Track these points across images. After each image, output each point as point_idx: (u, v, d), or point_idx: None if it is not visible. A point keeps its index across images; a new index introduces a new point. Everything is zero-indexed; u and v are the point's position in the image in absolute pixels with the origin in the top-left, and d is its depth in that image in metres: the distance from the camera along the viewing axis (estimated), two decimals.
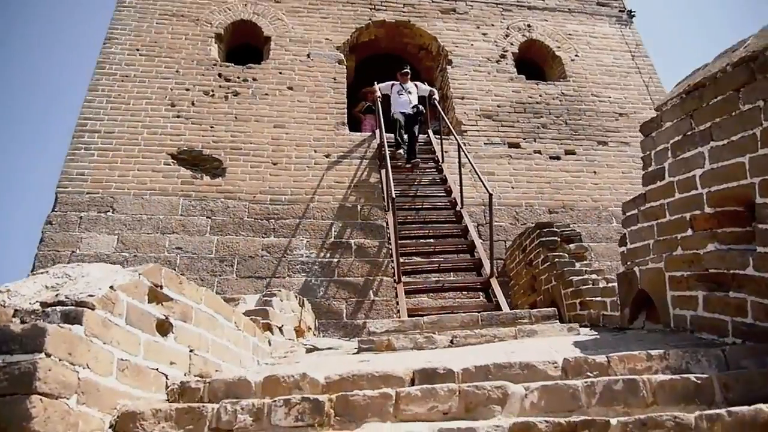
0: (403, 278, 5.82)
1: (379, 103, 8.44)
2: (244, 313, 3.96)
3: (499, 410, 2.11)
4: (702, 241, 3.08)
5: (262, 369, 3.50)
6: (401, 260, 5.65)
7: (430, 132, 9.05)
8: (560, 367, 2.39)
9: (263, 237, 7.52)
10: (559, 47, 10.35)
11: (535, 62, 10.77)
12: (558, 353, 2.91)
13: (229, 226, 7.52)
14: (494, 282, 4.93)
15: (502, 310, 4.62)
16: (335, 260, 7.48)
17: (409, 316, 4.74)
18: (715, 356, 2.34)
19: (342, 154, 8.41)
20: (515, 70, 9.92)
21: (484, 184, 4.98)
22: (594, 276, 5.17)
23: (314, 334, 6.02)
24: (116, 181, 7.62)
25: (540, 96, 9.66)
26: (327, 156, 8.34)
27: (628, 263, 3.92)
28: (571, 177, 8.80)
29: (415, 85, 8.85)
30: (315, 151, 8.35)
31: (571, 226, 6.74)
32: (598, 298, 4.60)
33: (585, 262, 5.74)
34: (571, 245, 5.92)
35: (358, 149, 8.49)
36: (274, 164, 8.13)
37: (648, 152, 3.71)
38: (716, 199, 2.98)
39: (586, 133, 9.34)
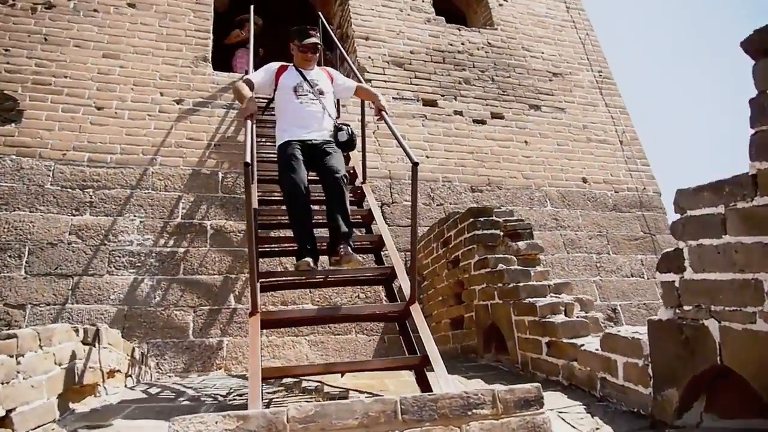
0: (264, 302, 3.74)
1: (252, 45, 5.47)
2: None
3: None
4: None
5: None
6: (262, 265, 3.59)
7: None
8: None
9: (73, 215, 5.15)
10: None
11: (455, 5, 8.86)
12: None
13: (20, 197, 5.08)
14: (417, 312, 2.99)
15: (428, 364, 2.71)
16: (181, 250, 5.27)
17: (265, 378, 2.71)
18: None
19: (201, 100, 6.10)
20: (433, 10, 7.95)
21: (405, 149, 3.02)
22: (565, 298, 3.38)
23: (130, 377, 3.86)
24: None
25: (462, 44, 7.77)
26: (178, 102, 6.00)
27: (689, 307, 2.12)
28: (498, 147, 7.03)
29: (328, 75, 4.15)
30: (161, 94, 5.98)
31: (503, 208, 4.91)
32: (596, 350, 2.80)
33: (539, 268, 3.95)
34: (519, 242, 4.11)
35: (224, 95, 6.21)
36: (99, 109, 5.70)
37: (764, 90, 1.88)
38: None
39: (516, 94, 7.58)
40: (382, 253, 3.98)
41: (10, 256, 4.82)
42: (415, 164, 2.92)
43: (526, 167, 6.99)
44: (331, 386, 3.30)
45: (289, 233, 4.93)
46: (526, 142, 7.19)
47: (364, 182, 4.47)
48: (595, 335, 3.06)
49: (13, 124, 5.38)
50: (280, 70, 4.00)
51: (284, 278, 3.57)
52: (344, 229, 3.50)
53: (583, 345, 2.89)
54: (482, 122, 7.14)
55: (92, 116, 5.63)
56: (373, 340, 5.38)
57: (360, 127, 4.64)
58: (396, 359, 3.26)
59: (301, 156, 3.64)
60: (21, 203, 5.05)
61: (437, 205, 6.28)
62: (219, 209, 5.55)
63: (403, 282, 3.26)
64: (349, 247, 3.44)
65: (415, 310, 3.01)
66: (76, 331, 3.03)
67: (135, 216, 5.29)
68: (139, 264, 5.10)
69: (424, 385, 2.82)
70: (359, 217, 4.23)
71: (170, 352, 4.85)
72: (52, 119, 5.49)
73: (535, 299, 3.44)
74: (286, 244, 3.79)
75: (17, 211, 5.00)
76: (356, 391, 3.17)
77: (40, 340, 2.60)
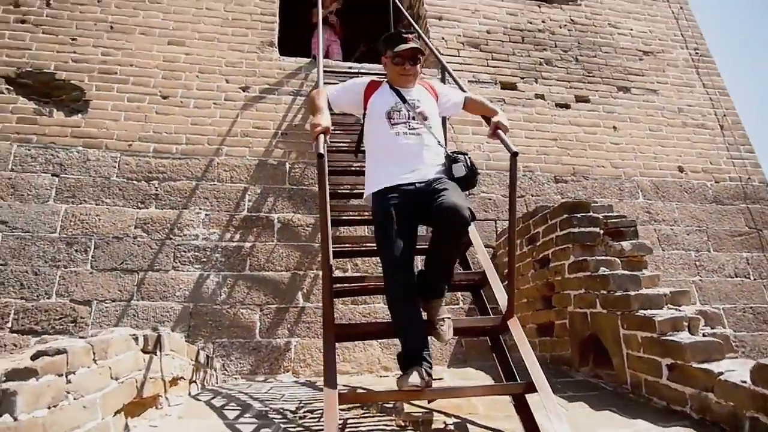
0: (341, 313, 3.40)
1: (320, 28, 4.94)
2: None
3: None
4: None
5: None
6: (336, 268, 3.24)
7: None
8: None
9: (139, 207, 4.98)
10: None
11: None
12: None
13: (87, 190, 4.95)
14: (517, 327, 2.54)
15: (533, 390, 2.28)
16: (248, 245, 5.02)
17: (341, 403, 2.35)
18: None
19: (267, 87, 5.82)
20: None
21: (505, 142, 2.57)
22: (688, 311, 2.87)
23: (194, 383, 3.62)
24: None
25: (543, 22, 7.19)
26: (244, 89, 5.75)
27: None
28: (583, 133, 6.44)
29: (432, 91, 3.15)
30: (227, 81, 5.74)
31: (602, 203, 4.36)
32: (743, 382, 2.29)
33: (647, 272, 3.43)
34: (622, 242, 3.60)
35: (291, 81, 5.91)
36: (164, 98, 5.51)
37: None
38: None
39: (602, 75, 6.95)
40: (466, 254, 3.57)
41: (76, 251, 4.69)
42: (514, 154, 2.48)
43: (615, 155, 6.38)
44: (413, 404, 2.93)
45: (361, 231, 4.60)
46: (614, 127, 6.57)
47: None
48: (730, 358, 2.55)
49: (79, 115, 5.26)
50: (370, 89, 3.00)
51: (358, 284, 3.18)
52: (443, 285, 2.74)
53: (721, 373, 2.39)
54: (566, 106, 6.56)
55: (158, 105, 5.44)
56: (450, 344, 4.98)
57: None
58: (496, 386, 2.77)
59: (401, 212, 2.65)
60: (87, 196, 4.92)
61: (518, 197, 5.79)
62: (286, 201, 5.27)
63: (498, 292, 2.84)
64: (442, 301, 2.69)
65: (514, 326, 2.59)
66: (136, 339, 2.78)
67: (200, 209, 5.07)
68: (205, 259, 4.88)
69: (525, 413, 2.40)
70: None
71: (236, 353, 4.61)
72: (117, 109, 5.34)
73: (651, 312, 2.94)
74: (359, 245, 3.43)
75: (84, 204, 4.87)
76: (441, 412, 2.79)
77: (94, 353, 2.34)
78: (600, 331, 3.37)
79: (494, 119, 2.82)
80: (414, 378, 2.30)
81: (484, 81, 6.43)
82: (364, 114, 2.99)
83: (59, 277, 4.57)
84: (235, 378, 4.53)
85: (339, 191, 3.97)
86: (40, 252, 4.63)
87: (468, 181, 2.78)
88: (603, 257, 3.52)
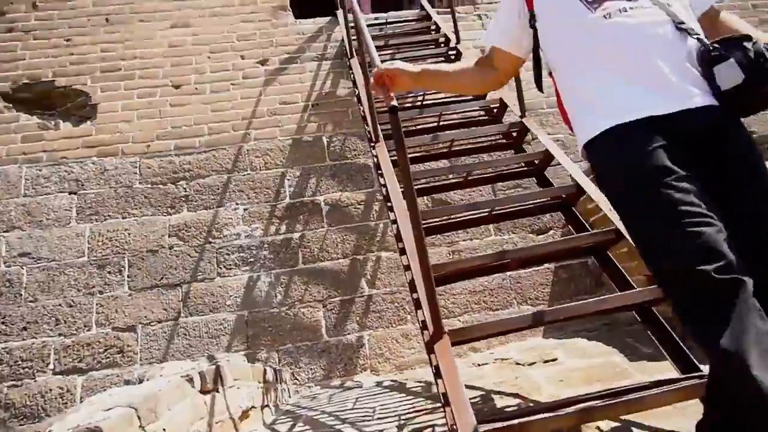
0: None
1: None
2: None
3: None
4: None
5: None
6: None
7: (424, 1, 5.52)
8: None
9: (169, 213, 4.42)
10: None
11: None
12: None
13: (110, 204, 4.40)
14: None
15: None
16: (296, 236, 4.42)
17: None
18: None
19: (287, 56, 5.14)
20: None
21: None
22: None
23: (267, 407, 3.05)
24: None
25: None
26: (262, 63, 5.08)
27: None
28: None
29: None
30: (242, 58, 5.09)
31: None
32: None
33: None
34: None
35: (312, 45, 5.22)
36: (177, 88, 4.90)
37: None
38: None
39: None
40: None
41: (110, 272, 4.17)
42: None
43: None
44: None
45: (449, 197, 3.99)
46: None
47: (523, 116, 3.31)
48: None
49: (89, 122, 4.70)
50: None
51: (468, 265, 2.47)
52: None
53: None
54: None
55: (171, 97, 4.84)
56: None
57: None
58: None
59: (679, 168, 1.24)
60: (112, 210, 4.37)
61: None
62: (330, 180, 4.63)
63: None
64: None
65: None
66: (191, 380, 2.18)
67: (237, 204, 4.48)
68: (252, 259, 4.30)
69: None
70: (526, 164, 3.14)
71: (305, 358, 4.04)
72: (128, 108, 4.76)
73: None
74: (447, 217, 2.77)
75: (109, 220, 4.33)
76: None
77: (139, 418, 1.76)
78: None
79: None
80: None
81: None
82: (533, 23, 1.59)
83: (96, 304, 4.06)
84: (308, 387, 3.97)
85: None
86: (71, 280, 4.12)
87: (746, 93, 1.28)
88: None
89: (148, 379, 2.31)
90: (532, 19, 1.59)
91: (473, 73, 1.77)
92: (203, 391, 2.27)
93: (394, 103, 1.83)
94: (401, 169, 1.75)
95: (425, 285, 1.76)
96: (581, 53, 1.45)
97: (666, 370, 2.36)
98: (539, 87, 1.68)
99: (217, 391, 2.39)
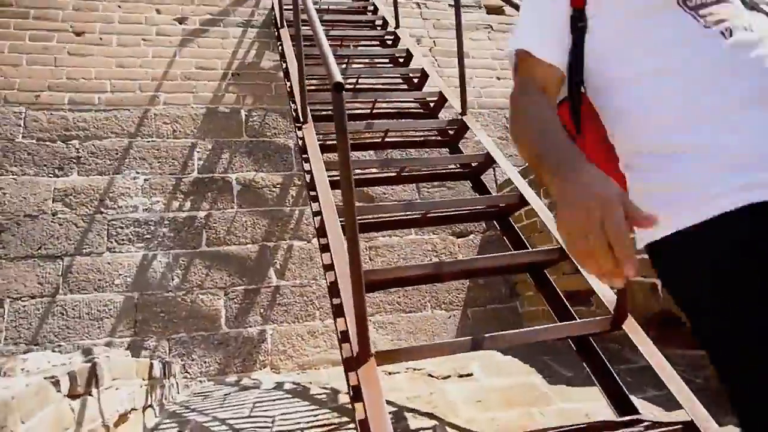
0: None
1: None
2: None
3: None
4: None
5: None
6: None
7: None
8: None
9: (56, 175, 3.89)
10: None
11: None
12: None
13: None
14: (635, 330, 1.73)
15: None
16: (202, 214, 4.03)
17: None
18: None
19: (210, 17, 4.70)
20: None
21: None
22: None
23: (150, 407, 2.68)
24: None
25: None
26: (180, 21, 4.62)
27: None
28: None
29: None
30: (157, 12, 4.59)
31: None
32: None
33: None
34: None
35: (239, 9, 4.81)
36: (78, 35, 4.35)
37: None
38: None
39: None
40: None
41: None
42: None
43: None
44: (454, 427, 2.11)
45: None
46: None
47: (464, 113, 3.12)
48: None
49: None
50: None
51: (402, 274, 2.23)
52: None
53: None
54: None
55: (70, 44, 4.28)
56: (454, 317, 4.18)
57: (455, 30, 3.27)
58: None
59: None
60: None
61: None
62: (245, 158, 4.26)
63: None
64: None
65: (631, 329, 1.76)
66: (56, 383, 1.80)
67: (138, 173, 4.02)
68: (149, 235, 3.87)
69: None
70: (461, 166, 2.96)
71: (199, 350, 3.68)
72: (17, 50, 4.16)
73: None
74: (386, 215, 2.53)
75: None
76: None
77: None
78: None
79: None
80: None
81: (467, 5, 5.48)
82: (580, 25, 0.98)
83: None
84: (200, 381, 3.61)
85: (327, 142, 3.02)
86: None
87: None
88: None
89: (4, 374, 1.90)
90: (579, 20, 0.98)
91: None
92: (72, 396, 1.89)
93: (339, 79, 1.58)
94: (341, 160, 1.49)
95: (355, 299, 1.51)
96: (687, 86, 0.84)
97: (587, 398, 2.26)
98: (577, 127, 1.02)
99: (90, 394, 2.01)
